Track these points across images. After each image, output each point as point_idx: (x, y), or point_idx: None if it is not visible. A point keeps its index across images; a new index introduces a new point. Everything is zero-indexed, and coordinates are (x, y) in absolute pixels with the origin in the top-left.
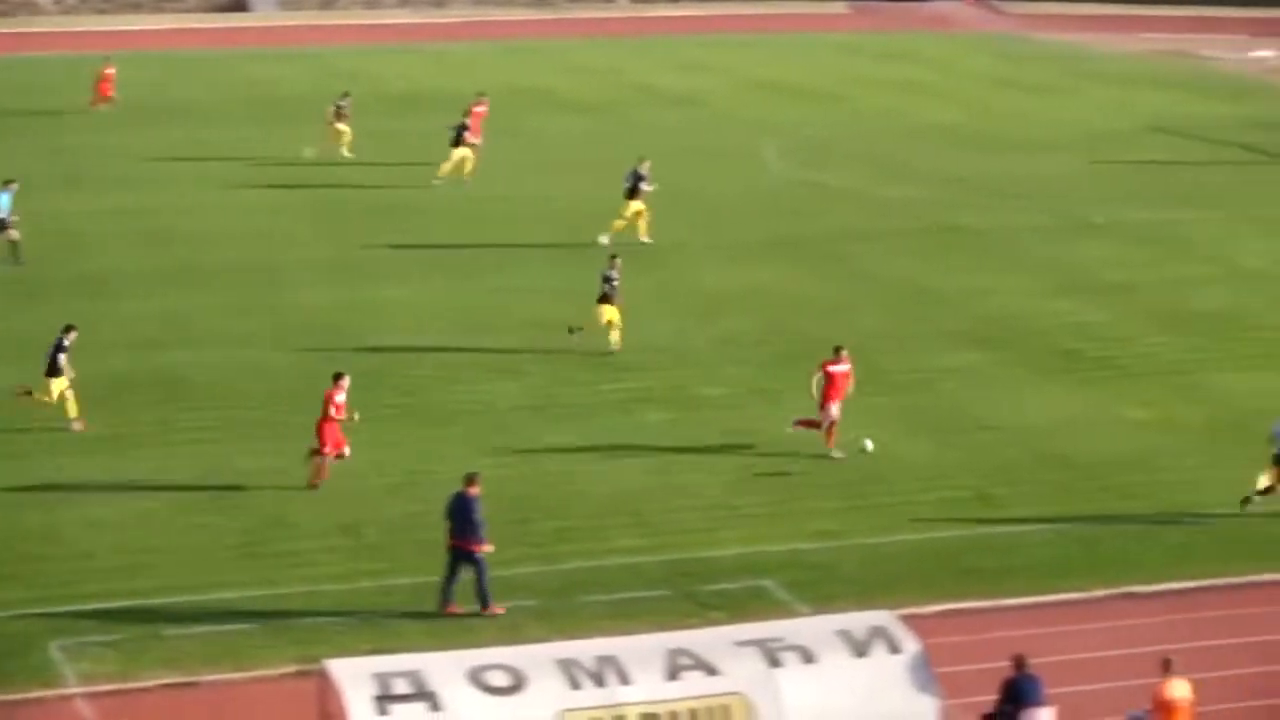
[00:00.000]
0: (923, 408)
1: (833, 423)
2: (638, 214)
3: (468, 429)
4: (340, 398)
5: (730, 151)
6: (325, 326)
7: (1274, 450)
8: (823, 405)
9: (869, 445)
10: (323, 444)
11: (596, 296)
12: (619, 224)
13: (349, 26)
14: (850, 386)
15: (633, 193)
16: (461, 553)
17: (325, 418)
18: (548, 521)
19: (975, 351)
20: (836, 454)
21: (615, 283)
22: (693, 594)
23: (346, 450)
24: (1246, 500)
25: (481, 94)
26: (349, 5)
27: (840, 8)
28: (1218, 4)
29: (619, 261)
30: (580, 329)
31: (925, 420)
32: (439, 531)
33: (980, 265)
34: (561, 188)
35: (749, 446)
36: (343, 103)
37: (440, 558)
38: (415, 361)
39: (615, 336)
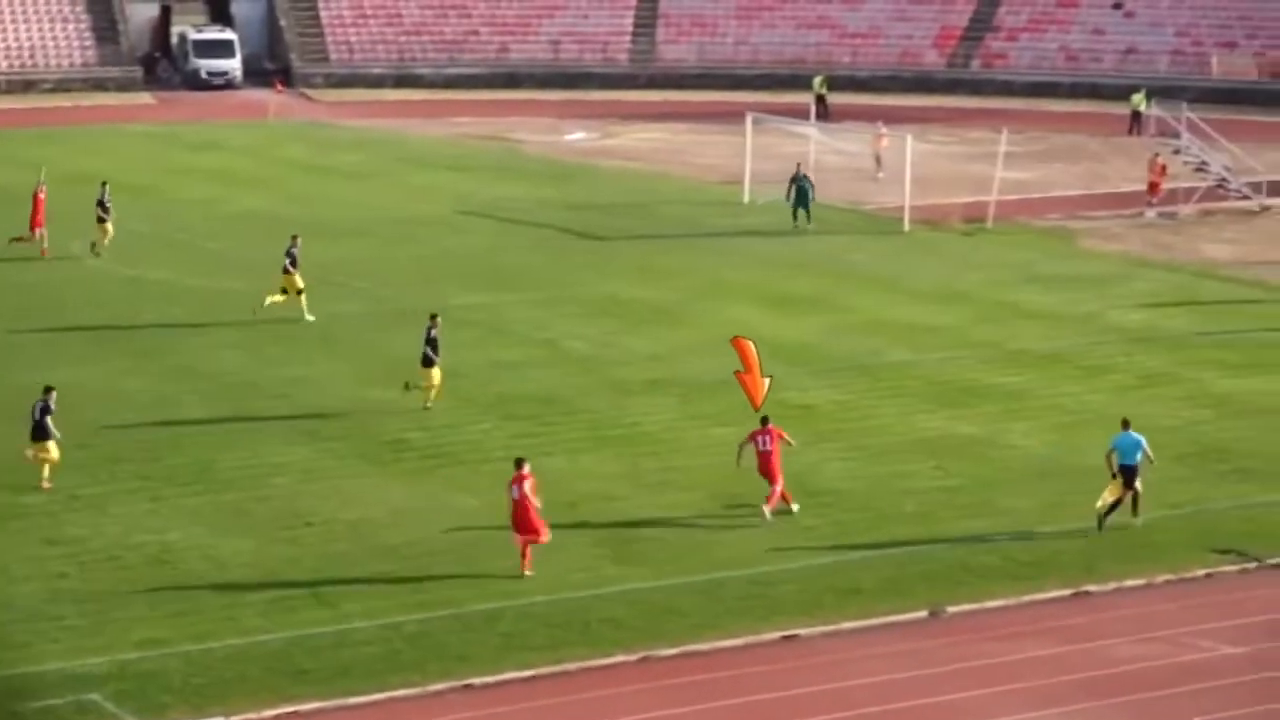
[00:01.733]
0: (251, 505)
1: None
2: (298, 291)
3: None
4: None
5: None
6: None
7: (1113, 468)
8: (777, 476)
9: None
10: (536, 531)
11: (420, 359)
12: (278, 298)
13: None
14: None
15: (288, 269)
16: None
17: (524, 499)
18: None
19: (303, 445)
20: (768, 515)
21: (436, 345)
22: (17, 713)
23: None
24: (1101, 523)
25: (41, 180)
26: None
27: (147, 98)
28: (530, 88)
29: (439, 320)
30: (417, 386)
31: (254, 518)
32: None
33: (301, 356)
34: None
35: (71, 555)
36: None
37: None
38: None
39: (433, 395)
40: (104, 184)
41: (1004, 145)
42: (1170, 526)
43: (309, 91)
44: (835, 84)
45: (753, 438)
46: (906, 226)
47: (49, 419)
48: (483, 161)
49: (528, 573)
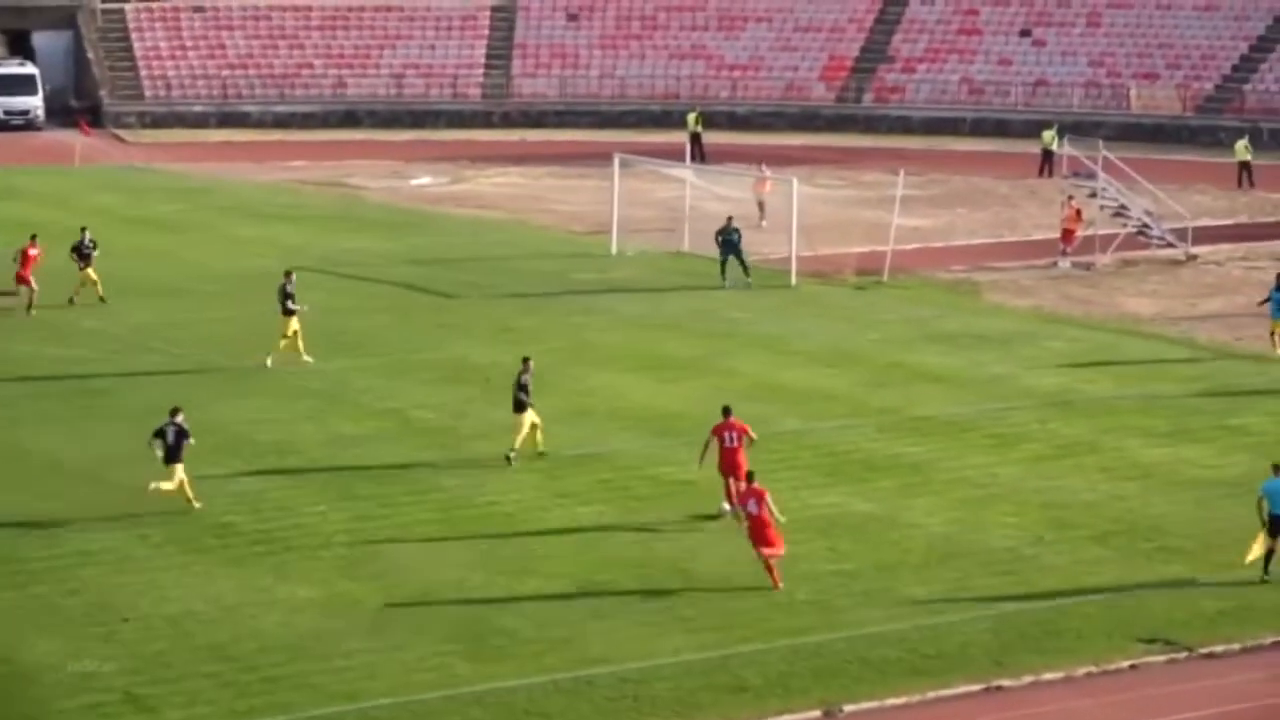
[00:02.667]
0: (59, 599)
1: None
2: (294, 333)
3: None
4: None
5: None
6: None
7: (1262, 516)
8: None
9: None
10: (771, 543)
11: (512, 406)
12: (283, 344)
13: None
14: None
15: (287, 310)
16: None
17: (763, 515)
18: None
19: (117, 530)
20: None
21: (528, 389)
22: None
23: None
24: (1263, 577)
25: (34, 235)
26: None
27: None
28: (371, 128)
29: (531, 364)
30: (514, 452)
31: (62, 614)
32: None
33: (112, 431)
34: None
35: None
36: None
37: None
38: None
39: (540, 437)
40: (84, 229)
41: (901, 189)
42: (1090, 613)
43: (121, 132)
44: (712, 121)
45: (717, 432)
46: (793, 280)
47: (185, 440)
48: (318, 210)
49: (780, 585)
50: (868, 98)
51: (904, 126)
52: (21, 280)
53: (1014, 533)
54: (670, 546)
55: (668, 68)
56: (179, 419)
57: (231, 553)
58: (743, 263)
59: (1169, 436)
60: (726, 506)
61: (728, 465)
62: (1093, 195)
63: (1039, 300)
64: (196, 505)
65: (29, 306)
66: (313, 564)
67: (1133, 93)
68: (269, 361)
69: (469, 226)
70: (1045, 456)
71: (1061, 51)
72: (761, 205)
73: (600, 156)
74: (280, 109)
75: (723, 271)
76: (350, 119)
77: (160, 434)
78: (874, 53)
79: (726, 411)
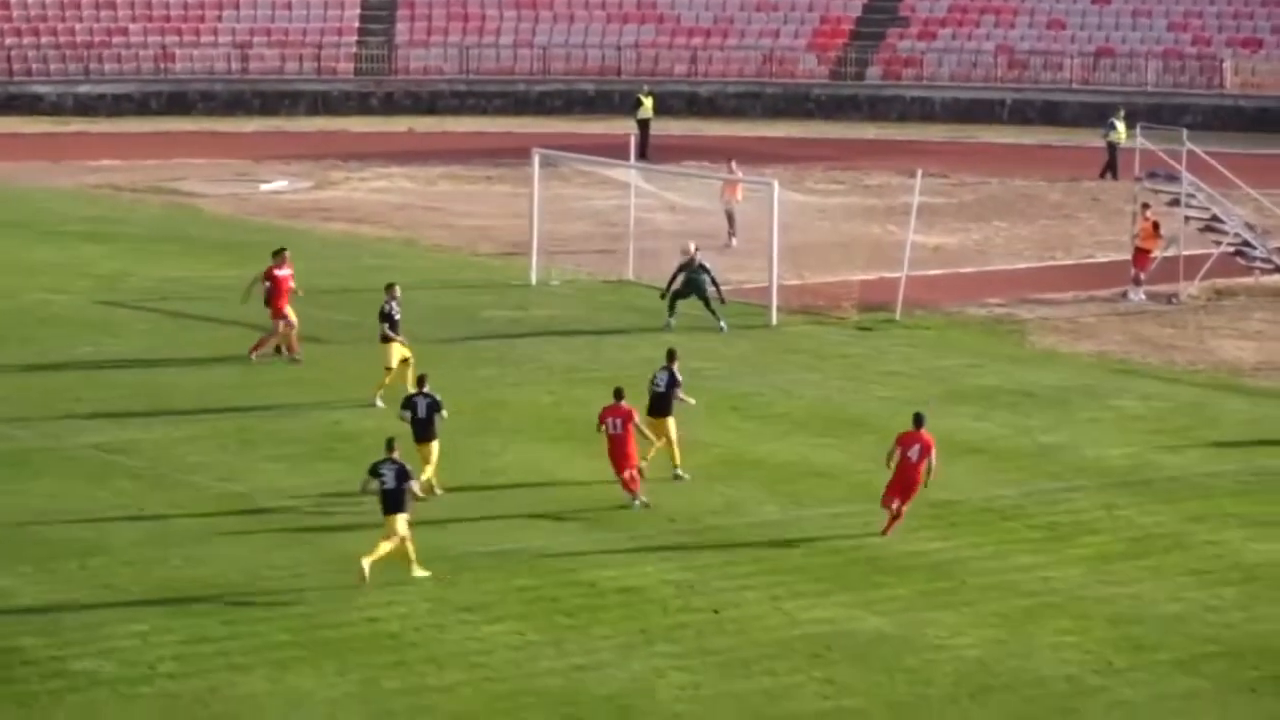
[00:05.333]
0: None
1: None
2: (405, 361)
3: None
4: None
5: None
6: None
7: None
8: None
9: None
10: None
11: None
12: (388, 378)
13: None
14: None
15: (386, 336)
16: None
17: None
18: None
19: None
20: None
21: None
22: None
23: None
24: None
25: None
26: None
27: None
28: (207, 114)
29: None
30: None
31: None
32: None
33: None
34: None
35: None
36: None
37: None
38: None
39: (678, 453)
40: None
41: (918, 195)
42: None
43: None
44: (665, 104)
45: (604, 418)
46: (774, 319)
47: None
48: (137, 226)
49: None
50: (873, 73)
51: (921, 112)
52: (278, 315)
53: (1073, 657)
54: (609, 677)
55: (605, 34)
56: (396, 454)
57: (16, 689)
58: (708, 303)
59: None
60: (633, 499)
61: (616, 456)
62: (1175, 203)
63: (1104, 344)
64: (419, 573)
65: (279, 349)
66: (129, 705)
67: (1228, 66)
68: (378, 400)
69: (340, 247)
70: (1114, 554)
71: (1132, 11)
72: (731, 217)
73: (515, 152)
74: (84, 90)
75: (671, 308)
76: (178, 103)
77: (376, 473)
78: (881, 13)
79: (618, 394)
